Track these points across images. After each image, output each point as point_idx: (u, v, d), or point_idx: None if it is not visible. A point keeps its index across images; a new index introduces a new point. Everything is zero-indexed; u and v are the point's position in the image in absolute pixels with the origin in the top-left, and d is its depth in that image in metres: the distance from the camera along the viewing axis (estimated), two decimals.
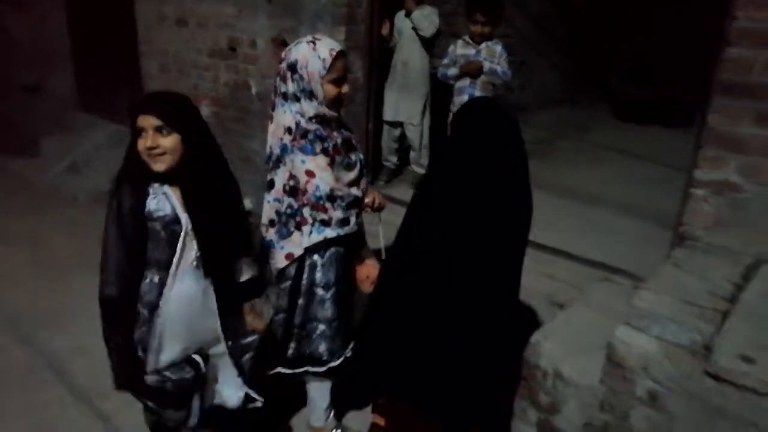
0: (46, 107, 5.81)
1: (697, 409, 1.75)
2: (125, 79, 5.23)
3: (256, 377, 2.00)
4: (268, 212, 2.08)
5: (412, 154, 3.87)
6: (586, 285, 2.72)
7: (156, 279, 1.73)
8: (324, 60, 1.90)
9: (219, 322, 1.86)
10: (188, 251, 1.73)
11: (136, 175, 1.68)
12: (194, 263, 1.75)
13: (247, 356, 1.97)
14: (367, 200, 2.11)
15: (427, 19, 3.52)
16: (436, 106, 3.90)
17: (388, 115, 3.82)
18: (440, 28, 3.68)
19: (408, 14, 3.58)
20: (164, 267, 1.72)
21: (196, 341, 1.83)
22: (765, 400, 1.61)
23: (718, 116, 2.27)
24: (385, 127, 3.89)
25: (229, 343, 1.90)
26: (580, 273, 2.90)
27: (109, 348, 1.77)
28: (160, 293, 1.73)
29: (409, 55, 3.67)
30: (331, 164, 1.96)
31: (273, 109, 2.01)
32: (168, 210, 1.69)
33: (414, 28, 3.57)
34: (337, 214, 1.94)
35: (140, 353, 1.75)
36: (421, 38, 3.61)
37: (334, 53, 1.93)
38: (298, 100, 1.92)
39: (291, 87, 1.92)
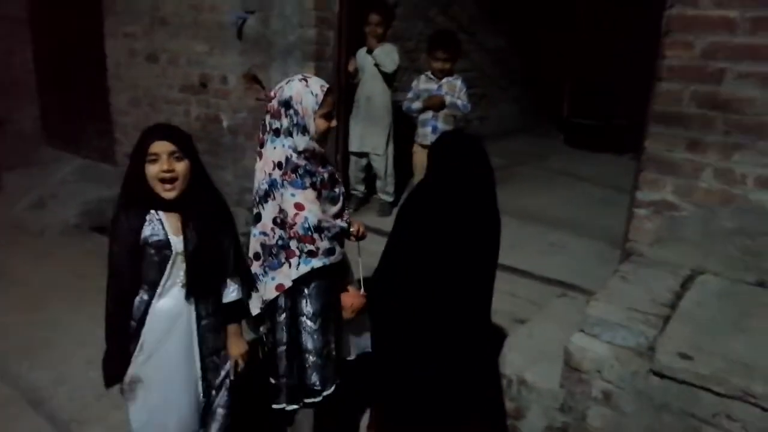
0: (11, 142, 5.80)
1: (646, 405, 1.95)
2: (93, 114, 5.30)
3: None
4: (253, 245, 2.15)
5: (379, 183, 4.05)
6: (544, 301, 2.92)
7: (146, 297, 1.87)
8: (317, 96, 2.05)
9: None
10: (177, 272, 1.86)
11: (138, 202, 1.81)
12: (181, 283, 1.88)
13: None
14: (352, 229, 2.24)
15: (388, 56, 3.74)
16: (399, 136, 4.12)
17: (355, 146, 4.00)
18: (401, 64, 3.91)
19: (370, 52, 3.80)
20: (153, 286, 1.85)
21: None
22: (701, 393, 1.83)
23: (655, 143, 2.53)
24: (352, 157, 4.07)
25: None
26: (539, 290, 3.09)
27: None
28: (146, 310, 1.87)
29: (372, 90, 3.88)
30: (319, 198, 2.07)
31: (261, 146, 2.10)
32: (161, 235, 1.82)
33: (376, 65, 3.79)
34: (323, 244, 2.03)
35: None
36: (383, 74, 3.82)
37: (325, 89, 2.08)
38: (290, 134, 2.03)
39: (285, 122, 2.03)
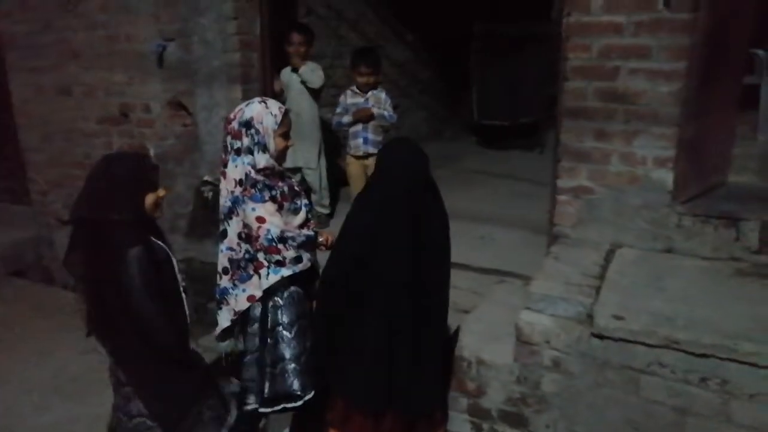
0: None
1: (590, 365, 2.21)
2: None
3: None
4: (221, 261, 2.26)
5: (314, 196, 4.16)
6: (485, 289, 3.16)
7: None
8: (276, 116, 2.19)
9: None
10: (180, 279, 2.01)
11: (146, 230, 1.90)
12: (183, 285, 2.01)
13: None
14: (321, 239, 2.36)
15: (314, 73, 3.89)
16: (329, 150, 4.26)
17: (287, 162, 4.09)
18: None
19: (295, 70, 3.93)
20: (175, 297, 1.96)
21: None
22: (635, 347, 2.11)
23: (568, 135, 2.83)
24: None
25: None
26: (478, 280, 3.33)
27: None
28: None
29: (300, 107, 3.99)
30: (280, 210, 2.19)
31: (225, 166, 2.22)
32: (164, 250, 1.94)
33: (303, 82, 3.92)
34: (289, 253, 2.15)
35: None
36: (310, 90, 3.96)
37: (283, 110, 2.23)
38: (251, 152, 2.15)
39: (246, 141, 2.15)
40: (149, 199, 1.90)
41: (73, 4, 4.04)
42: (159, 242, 1.96)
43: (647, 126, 2.67)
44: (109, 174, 1.88)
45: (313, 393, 2.27)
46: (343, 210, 4.37)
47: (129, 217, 1.85)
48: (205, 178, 3.92)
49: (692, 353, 2.00)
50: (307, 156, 4.06)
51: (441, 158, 6.23)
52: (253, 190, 2.14)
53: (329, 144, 4.27)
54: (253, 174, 2.15)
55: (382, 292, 2.02)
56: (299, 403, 2.24)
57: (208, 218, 3.92)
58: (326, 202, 4.19)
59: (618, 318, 2.14)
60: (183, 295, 2.04)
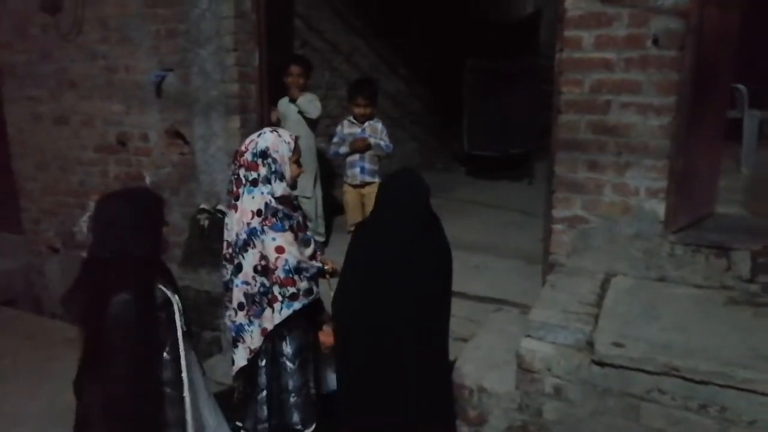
0: None
1: (591, 393, 2.24)
2: None
3: None
4: (237, 296, 2.22)
5: (310, 225, 4.18)
6: (481, 317, 3.19)
7: (168, 357, 1.85)
8: (289, 144, 2.23)
9: None
10: (179, 323, 1.91)
11: (152, 275, 1.84)
12: (184, 330, 1.93)
13: None
14: (326, 268, 2.38)
15: (311, 104, 3.96)
16: (323, 179, 4.31)
17: None
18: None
19: (293, 101, 4.00)
20: (170, 344, 1.86)
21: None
22: (635, 374, 2.14)
23: (562, 167, 2.91)
24: None
25: None
26: (474, 309, 3.35)
27: None
28: (178, 367, 1.87)
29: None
30: (295, 240, 2.20)
31: (236, 199, 2.20)
32: (162, 296, 1.85)
33: (300, 112, 3.98)
34: (303, 285, 2.15)
35: None
36: (307, 120, 4.02)
37: (294, 137, 2.26)
38: (268, 182, 2.16)
39: (263, 171, 2.16)
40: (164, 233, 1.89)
41: (74, 34, 4.09)
42: (160, 286, 1.86)
43: (639, 158, 2.76)
44: (128, 212, 1.84)
45: (314, 426, 2.26)
46: (337, 238, 4.41)
47: (147, 256, 1.83)
48: (202, 205, 3.94)
49: (691, 380, 2.03)
50: (303, 184, 4.09)
51: (433, 188, 6.27)
52: (274, 219, 2.14)
53: (324, 173, 4.32)
54: (273, 203, 2.16)
55: (388, 323, 2.04)
56: None
57: (203, 247, 3.93)
58: (321, 230, 4.22)
59: (618, 345, 2.18)
60: (180, 343, 1.90)
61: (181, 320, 1.91)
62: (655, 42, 2.64)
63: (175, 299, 1.89)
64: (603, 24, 2.71)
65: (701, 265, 2.70)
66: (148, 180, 4.05)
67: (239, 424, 2.34)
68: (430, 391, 2.11)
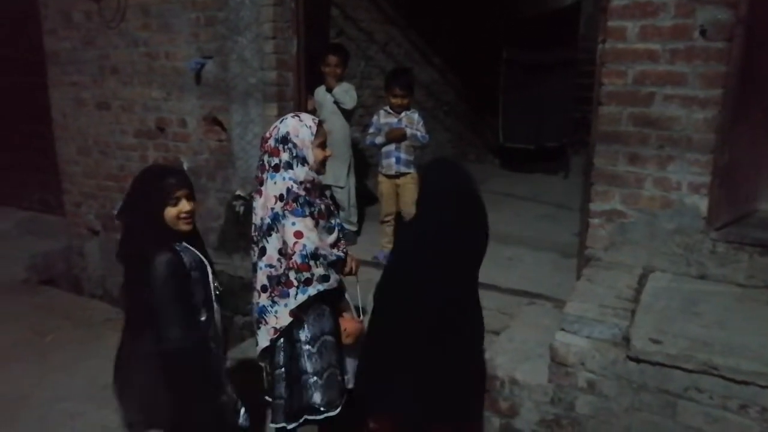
0: None
1: (626, 388, 2.21)
2: (35, 166, 5.17)
3: None
4: (261, 278, 2.24)
5: (342, 214, 4.21)
6: (514, 310, 3.17)
7: (204, 317, 2.01)
8: (311, 128, 2.24)
9: None
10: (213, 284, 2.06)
11: (168, 239, 1.94)
12: (216, 293, 2.07)
13: None
14: (346, 268, 2.41)
15: (348, 94, 3.97)
16: (357, 168, 4.33)
17: None
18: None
19: (329, 90, 4.01)
20: (205, 304, 2.00)
21: None
22: (672, 371, 2.10)
23: (601, 159, 2.86)
24: None
25: None
26: (507, 301, 3.32)
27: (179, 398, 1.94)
28: (210, 327, 2.03)
29: (332, 126, 4.05)
30: (316, 227, 2.20)
31: (261, 184, 2.24)
32: (194, 258, 1.99)
33: (336, 102, 4.00)
34: (318, 271, 2.15)
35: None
36: (342, 110, 4.04)
37: (316, 121, 2.28)
38: (290, 167, 2.18)
39: (284, 156, 2.18)
40: (170, 213, 1.94)
41: (116, 21, 4.18)
42: (193, 249, 2.01)
43: (681, 152, 2.69)
44: (136, 187, 2.00)
45: (337, 411, 2.27)
46: (369, 228, 4.43)
47: (147, 230, 1.93)
48: (237, 192, 4.00)
49: (731, 379, 1.99)
50: (336, 174, 4.12)
51: None
52: (294, 204, 2.16)
53: (357, 163, 4.33)
54: (295, 188, 2.17)
55: (432, 312, 2.04)
56: (320, 417, 2.23)
57: (238, 232, 3.99)
58: (354, 219, 4.24)
59: (655, 342, 2.15)
60: (215, 304, 2.08)
61: (215, 282, 2.03)
62: (703, 33, 2.56)
63: (206, 261, 2.02)
64: (648, 14, 2.65)
65: (744, 264, 2.63)
66: (185, 166, 4.11)
67: (268, 399, 2.38)
68: (468, 380, 2.13)
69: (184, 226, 1.96)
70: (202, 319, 2.01)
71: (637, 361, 2.16)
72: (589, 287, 2.60)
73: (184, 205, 1.95)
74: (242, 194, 3.96)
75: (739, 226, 2.77)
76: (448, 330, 2.04)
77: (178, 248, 1.95)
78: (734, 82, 2.56)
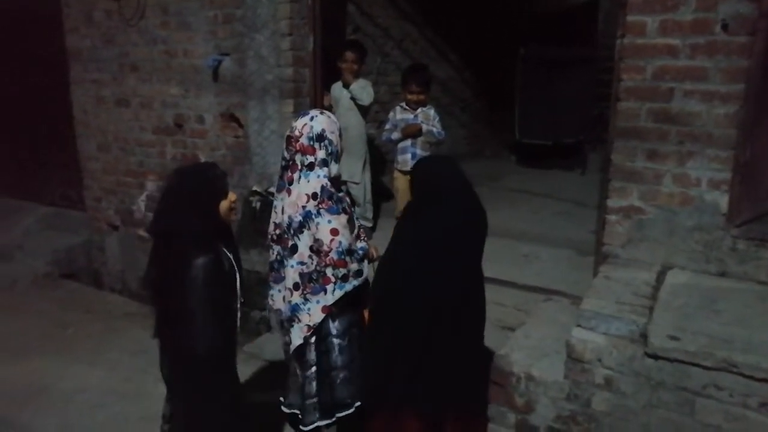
0: None
1: (644, 385, 2.19)
2: (57, 162, 5.26)
3: None
4: (292, 276, 2.23)
5: (357, 209, 4.21)
6: (530, 307, 3.16)
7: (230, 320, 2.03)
8: (338, 125, 2.30)
9: None
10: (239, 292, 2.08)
11: (216, 238, 1.97)
12: (242, 300, 2.09)
13: None
14: (371, 250, 2.42)
15: (364, 90, 3.98)
16: (372, 164, 4.33)
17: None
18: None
19: (346, 86, 4.02)
20: (233, 306, 2.01)
21: None
22: (691, 368, 2.08)
23: (619, 155, 2.83)
24: None
25: None
26: (523, 298, 3.32)
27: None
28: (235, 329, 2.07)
29: (348, 122, 4.07)
30: (348, 222, 2.23)
31: (290, 183, 2.23)
32: (228, 262, 2.00)
33: (352, 98, 4.01)
34: (353, 266, 2.19)
35: None
36: (359, 106, 4.04)
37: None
38: (325, 165, 2.20)
39: (320, 154, 2.19)
40: (223, 206, 1.97)
41: (136, 19, 4.23)
42: (228, 253, 2.01)
43: (702, 148, 2.66)
44: (183, 188, 1.96)
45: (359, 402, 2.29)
46: (385, 223, 4.43)
47: (203, 229, 1.91)
48: (254, 188, 4.02)
49: (751, 377, 1.97)
50: (352, 170, 4.13)
51: (481, 176, 6.23)
52: (330, 202, 2.17)
53: (372, 159, 4.34)
54: (328, 186, 2.19)
55: (436, 303, 2.05)
56: (351, 411, 2.26)
57: (254, 228, 4.02)
58: (369, 215, 4.25)
59: (673, 338, 2.13)
60: (237, 311, 2.09)
61: (240, 291, 2.02)
62: (725, 27, 2.53)
63: (238, 271, 2.03)
64: (668, 9, 2.62)
65: (765, 261, 2.59)
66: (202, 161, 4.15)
67: (282, 399, 2.40)
68: (470, 370, 2.14)
69: (234, 216, 2.02)
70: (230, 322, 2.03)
71: (655, 357, 2.15)
72: (606, 284, 2.59)
73: (232, 195, 2.00)
74: (259, 190, 3.99)
75: (760, 223, 2.73)
76: (449, 319, 2.05)
77: (218, 250, 1.96)
78: (757, 76, 2.52)
